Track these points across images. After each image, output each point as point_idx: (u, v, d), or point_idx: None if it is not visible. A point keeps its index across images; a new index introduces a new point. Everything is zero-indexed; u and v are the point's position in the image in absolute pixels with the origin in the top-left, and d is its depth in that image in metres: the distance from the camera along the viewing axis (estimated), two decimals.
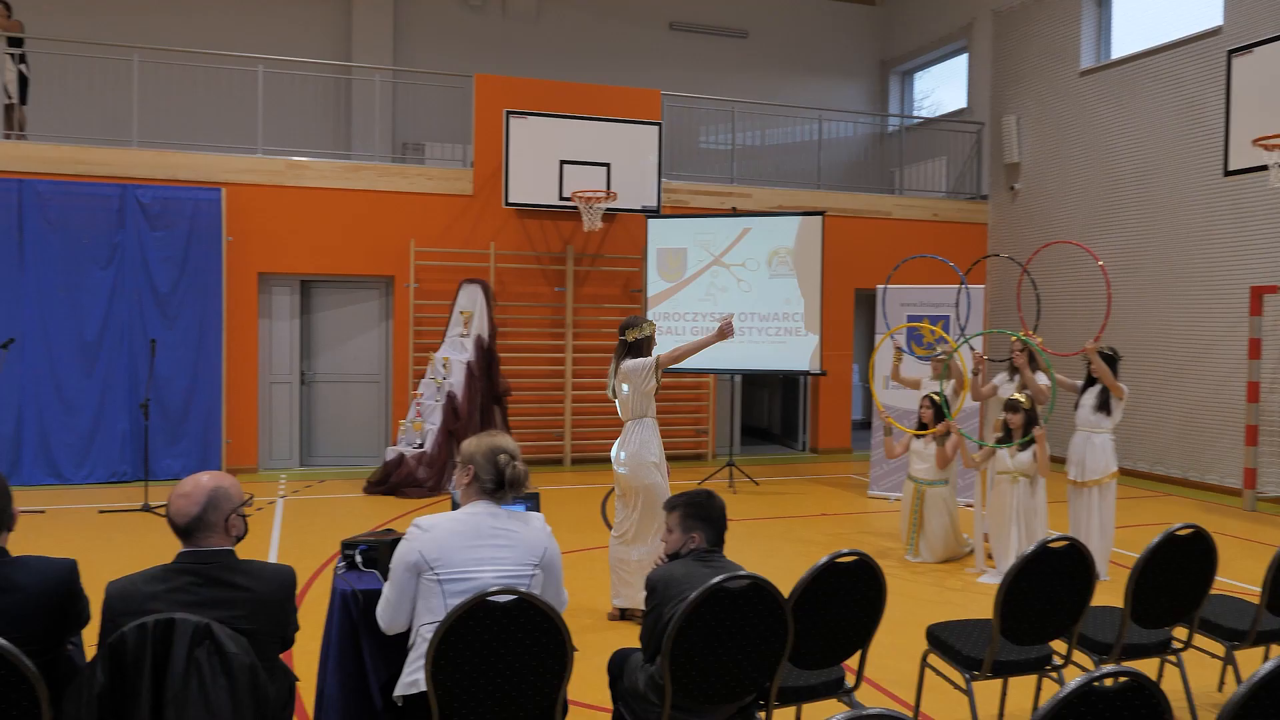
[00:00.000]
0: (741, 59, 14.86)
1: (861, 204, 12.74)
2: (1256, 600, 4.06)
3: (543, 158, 10.85)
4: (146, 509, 8.33)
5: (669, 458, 11.72)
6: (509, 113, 10.77)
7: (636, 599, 5.40)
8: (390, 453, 9.66)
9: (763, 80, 14.78)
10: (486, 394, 9.94)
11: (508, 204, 10.81)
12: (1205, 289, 10.30)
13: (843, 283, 12.34)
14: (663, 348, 10.85)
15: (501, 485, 3.03)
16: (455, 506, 3.16)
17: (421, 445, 9.61)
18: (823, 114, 13.78)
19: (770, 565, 6.58)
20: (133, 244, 9.81)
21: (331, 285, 11.04)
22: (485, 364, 9.98)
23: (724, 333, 5.46)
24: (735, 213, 11.35)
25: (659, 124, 11.26)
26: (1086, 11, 11.92)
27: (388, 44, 13.17)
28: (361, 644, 3.24)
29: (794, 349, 10.40)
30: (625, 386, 5.53)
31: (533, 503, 3.59)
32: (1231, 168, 8.31)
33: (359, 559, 3.55)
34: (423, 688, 2.81)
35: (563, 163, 10.87)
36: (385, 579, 3.15)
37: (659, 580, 3.16)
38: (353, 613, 3.27)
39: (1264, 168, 7.84)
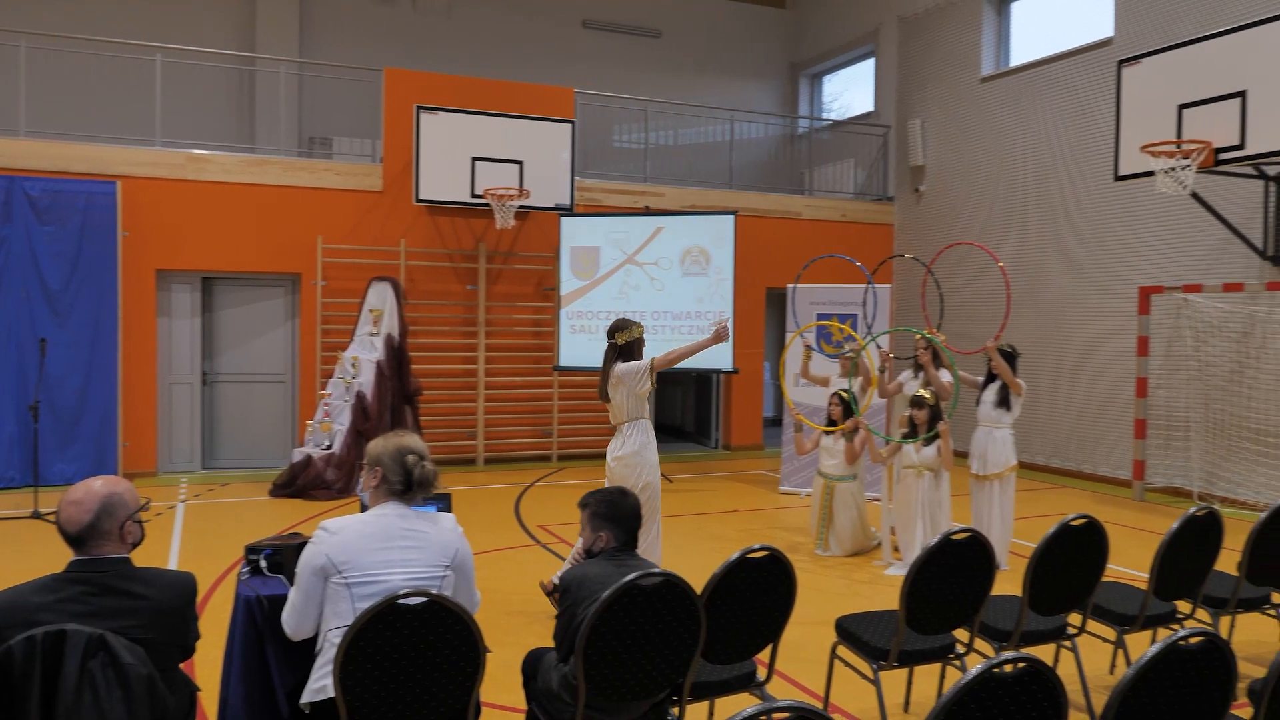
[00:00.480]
0: (655, 58, 14.93)
1: (772, 204, 12.93)
2: (1145, 586, 4.25)
3: (454, 154, 10.72)
4: (36, 516, 7.97)
5: (585, 456, 11.73)
6: (420, 108, 10.61)
7: None
8: (297, 454, 9.43)
9: (676, 80, 14.88)
10: (397, 394, 9.78)
11: (418, 200, 10.66)
12: (1098, 289, 10.74)
13: (754, 281, 12.51)
14: (575, 347, 10.87)
15: (411, 486, 2.99)
16: (364, 509, 3.11)
17: (329, 446, 9.41)
18: (734, 115, 13.93)
19: (684, 562, 6.63)
20: (20, 238, 9.36)
21: (235, 282, 10.71)
22: (396, 363, 9.82)
23: (719, 336, 5.44)
24: (648, 211, 11.41)
25: (572, 122, 11.24)
26: (987, 20, 12.31)
27: (293, 35, 12.85)
28: (266, 651, 3.17)
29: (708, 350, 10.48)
30: (620, 390, 5.50)
31: (444, 503, 3.55)
32: (1121, 173, 8.68)
33: (264, 564, 3.46)
34: (331, 694, 2.76)
35: (475, 159, 10.76)
36: (291, 584, 3.08)
37: (572, 581, 3.15)
38: (257, 619, 3.19)
39: (1151, 173, 8.21)
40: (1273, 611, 4.70)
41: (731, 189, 13.10)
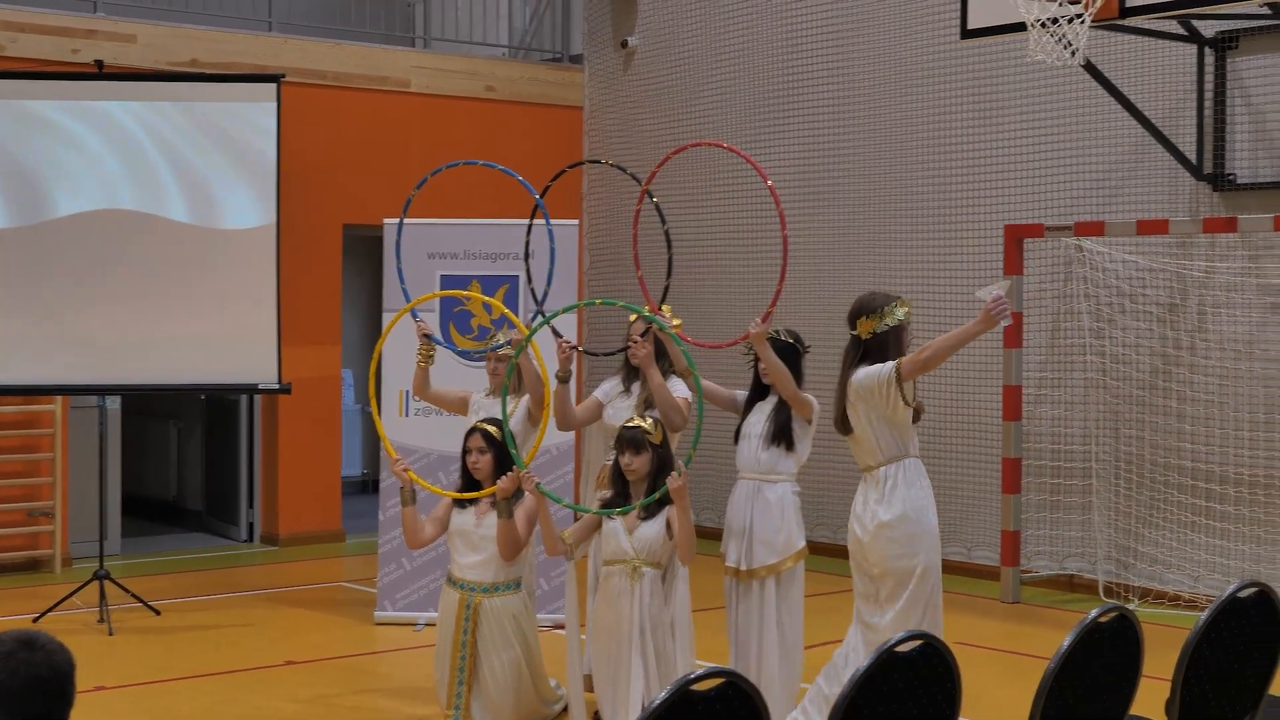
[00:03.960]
0: None
1: (355, 63, 12.93)
2: None
3: None
4: None
5: None
6: None
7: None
8: None
9: None
10: None
11: None
12: (933, 229, 11.48)
13: (320, 212, 12.41)
14: None
15: None
16: None
17: None
18: None
19: None
20: None
21: None
22: None
23: (992, 319, 5.86)
24: (102, 72, 11.04)
25: None
26: None
27: None
28: None
29: (225, 345, 10.31)
30: (862, 414, 6.16)
31: None
32: (971, 26, 9.40)
33: None
34: None
35: None
36: None
37: None
38: None
39: (1020, 27, 8.87)
40: None
41: (273, 33, 12.95)
